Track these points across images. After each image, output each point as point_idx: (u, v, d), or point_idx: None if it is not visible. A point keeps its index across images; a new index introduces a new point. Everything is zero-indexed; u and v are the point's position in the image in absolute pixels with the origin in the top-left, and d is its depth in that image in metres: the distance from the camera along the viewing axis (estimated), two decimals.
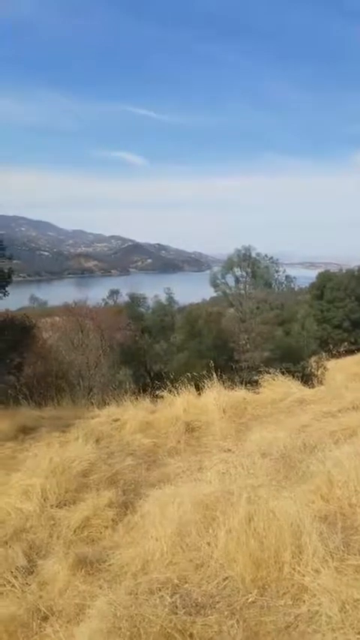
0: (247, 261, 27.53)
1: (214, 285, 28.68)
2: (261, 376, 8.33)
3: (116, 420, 7.64)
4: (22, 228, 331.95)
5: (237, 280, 28.08)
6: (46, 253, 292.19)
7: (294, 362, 23.39)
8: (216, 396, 7.53)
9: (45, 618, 2.97)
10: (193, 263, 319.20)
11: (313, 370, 25.10)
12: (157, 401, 8.24)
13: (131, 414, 7.53)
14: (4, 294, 14.12)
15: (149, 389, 9.88)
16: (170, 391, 7.94)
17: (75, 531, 4.21)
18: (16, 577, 3.52)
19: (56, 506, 4.67)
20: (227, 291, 28.59)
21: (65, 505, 4.68)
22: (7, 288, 14.14)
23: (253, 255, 27.79)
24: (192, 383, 8.10)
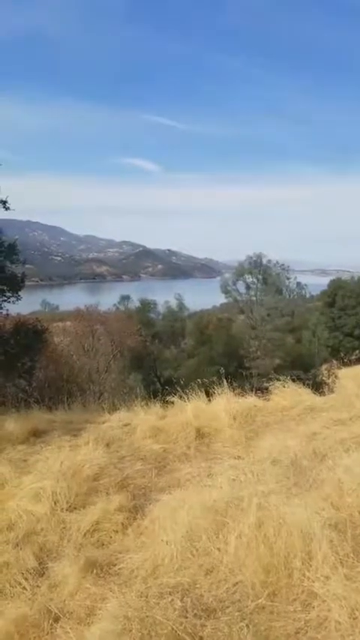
0: (258, 268, 27.58)
1: (225, 291, 28.73)
2: (271, 383, 8.29)
3: (126, 425, 7.67)
4: (35, 233, 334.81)
5: (248, 287, 28.13)
6: (59, 258, 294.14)
7: (305, 369, 23.34)
8: (226, 403, 7.51)
9: (56, 619, 3.00)
10: (204, 269, 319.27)
11: (324, 378, 24.96)
12: (167, 407, 8.25)
13: (141, 419, 7.54)
14: (18, 299, 14.23)
15: (159, 394, 9.90)
16: (180, 397, 7.94)
17: (85, 535, 4.23)
18: (26, 579, 3.56)
19: (67, 510, 4.69)
20: (238, 297, 28.65)
21: (75, 508, 4.70)
22: (19, 293, 14.25)
23: (265, 262, 27.84)
24: (202, 389, 8.10)
